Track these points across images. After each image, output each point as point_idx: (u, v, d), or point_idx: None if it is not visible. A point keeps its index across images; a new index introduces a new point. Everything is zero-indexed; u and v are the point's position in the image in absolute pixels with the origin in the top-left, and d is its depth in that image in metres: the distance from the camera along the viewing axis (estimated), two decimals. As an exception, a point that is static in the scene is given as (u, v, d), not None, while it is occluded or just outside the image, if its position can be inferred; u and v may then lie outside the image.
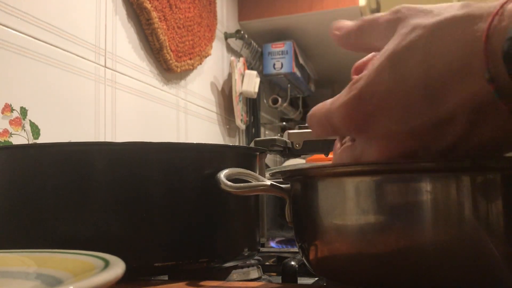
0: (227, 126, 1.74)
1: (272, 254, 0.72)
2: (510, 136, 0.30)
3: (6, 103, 0.78)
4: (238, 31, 1.76)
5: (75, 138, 0.93)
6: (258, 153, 0.55)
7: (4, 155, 0.47)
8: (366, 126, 0.31)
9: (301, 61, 2.00)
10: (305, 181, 0.40)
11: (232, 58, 1.73)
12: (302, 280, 0.54)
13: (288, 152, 0.75)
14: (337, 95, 0.33)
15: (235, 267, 0.54)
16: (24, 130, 0.82)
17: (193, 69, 1.45)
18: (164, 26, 1.23)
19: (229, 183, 0.42)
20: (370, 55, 0.38)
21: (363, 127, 0.31)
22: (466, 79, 0.28)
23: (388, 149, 0.31)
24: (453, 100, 0.28)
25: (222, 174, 0.43)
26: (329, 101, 0.34)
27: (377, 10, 2.13)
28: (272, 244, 0.78)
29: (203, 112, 1.56)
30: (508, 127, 0.29)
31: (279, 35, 1.96)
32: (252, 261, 0.57)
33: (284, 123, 2.31)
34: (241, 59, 1.76)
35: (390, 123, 0.30)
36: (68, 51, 0.94)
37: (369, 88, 0.30)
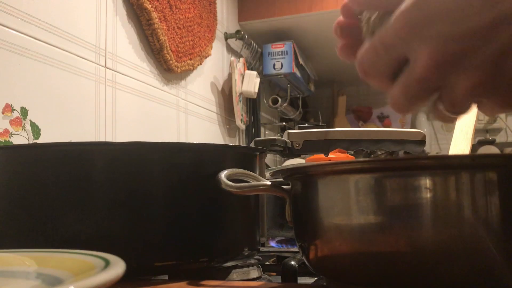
0: (227, 126, 1.74)
1: (272, 253, 0.72)
2: None
3: (6, 103, 0.79)
4: (238, 32, 1.76)
5: (75, 138, 0.93)
6: (258, 153, 0.55)
7: (5, 155, 0.47)
8: (422, 31, 0.31)
9: (301, 61, 2.00)
10: (305, 179, 0.40)
11: (232, 58, 1.73)
12: (302, 280, 0.54)
13: (288, 152, 0.75)
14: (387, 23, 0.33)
15: (235, 267, 0.54)
16: (25, 130, 0.82)
17: (193, 70, 1.45)
18: (164, 27, 1.23)
19: (230, 183, 0.42)
20: None
21: (420, 32, 0.31)
22: None
23: (438, 54, 0.30)
24: (505, 32, 0.29)
25: (223, 174, 0.43)
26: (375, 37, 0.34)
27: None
28: (272, 243, 0.78)
29: (203, 112, 1.56)
30: None
31: (279, 36, 1.96)
32: (252, 261, 0.57)
33: (284, 123, 2.31)
34: (241, 60, 1.76)
35: (446, 26, 0.30)
36: (68, 52, 0.94)
37: None
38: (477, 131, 2.52)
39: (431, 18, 0.30)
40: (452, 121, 0.36)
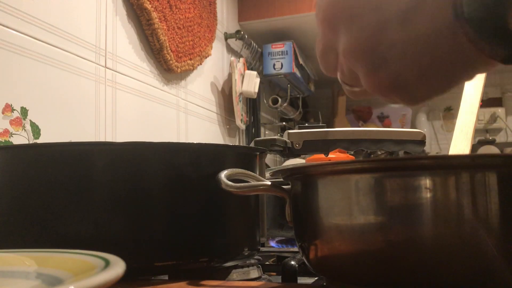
0: (227, 126, 1.74)
1: (272, 253, 0.72)
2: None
3: (6, 103, 0.79)
4: (238, 32, 1.76)
5: (75, 138, 0.93)
6: (258, 153, 0.55)
7: (5, 155, 0.47)
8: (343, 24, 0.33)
9: (301, 61, 2.00)
10: (305, 179, 0.40)
11: (232, 58, 1.73)
12: (302, 280, 0.54)
13: (288, 152, 0.75)
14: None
15: (235, 267, 0.54)
16: (25, 130, 0.82)
17: (193, 70, 1.45)
18: (164, 27, 1.23)
19: (230, 183, 0.42)
20: None
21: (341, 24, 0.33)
22: None
23: (330, 8, 0.33)
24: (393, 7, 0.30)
25: (223, 174, 0.43)
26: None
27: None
28: (272, 243, 0.78)
29: (203, 112, 1.56)
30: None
31: (279, 36, 1.96)
32: (252, 261, 0.57)
33: (284, 123, 2.31)
34: (241, 60, 1.76)
35: (362, 18, 0.32)
36: (68, 52, 0.94)
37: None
38: (477, 131, 2.52)
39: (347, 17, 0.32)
40: (355, 96, 0.37)
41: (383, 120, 2.72)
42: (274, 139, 0.74)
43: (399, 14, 0.30)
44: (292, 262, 0.53)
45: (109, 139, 1.05)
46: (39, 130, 0.85)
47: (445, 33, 0.29)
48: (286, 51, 1.88)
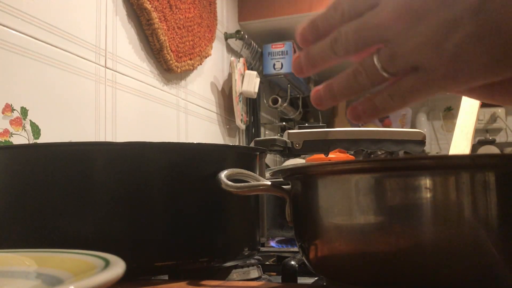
0: (227, 126, 1.74)
1: (272, 253, 0.72)
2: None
3: (6, 103, 0.79)
4: (238, 32, 1.76)
5: (75, 138, 0.93)
6: (258, 153, 0.55)
7: (5, 155, 0.47)
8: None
9: (301, 61, 2.00)
10: (305, 179, 0.40)
11: (232, 58, 1.73)
12: (302, 280, 0.54)
13: (288, 152, 0.75)
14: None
15: (235, 267, 0.54)
16: (25, 130, 0.82)
17: (193, 70, 1.45)
18: (165, 27, 1.23)
19: (230, 183, 0.42)
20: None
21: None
22: None
23: (405, 5, 0.33)
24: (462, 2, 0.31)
25: (223, 174, 0.43)
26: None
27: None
28: (272, 243, 0.78)
29: (203, 112, 1.56)
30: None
31: (279, 36, 1.96)
32: (252, 261, 0.57)
33: (284, 123, 2.31)
34: (241, 60, 1.76)
35: (406, 23, 0.33)
36: (68, 52, 0.94)
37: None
38: (477, 131, 2.52)
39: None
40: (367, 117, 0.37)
41: (383, 120, 2.72)
42: (274, 139, 0.74)
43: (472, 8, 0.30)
44: (292, 262, 0.53)
45: (109, 139, 1.05)
46: (39, 130, 0.85)
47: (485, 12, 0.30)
48: (286, 51, 1.88)
